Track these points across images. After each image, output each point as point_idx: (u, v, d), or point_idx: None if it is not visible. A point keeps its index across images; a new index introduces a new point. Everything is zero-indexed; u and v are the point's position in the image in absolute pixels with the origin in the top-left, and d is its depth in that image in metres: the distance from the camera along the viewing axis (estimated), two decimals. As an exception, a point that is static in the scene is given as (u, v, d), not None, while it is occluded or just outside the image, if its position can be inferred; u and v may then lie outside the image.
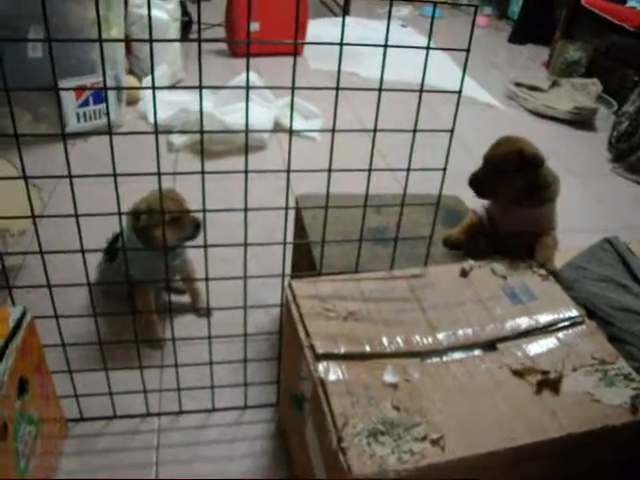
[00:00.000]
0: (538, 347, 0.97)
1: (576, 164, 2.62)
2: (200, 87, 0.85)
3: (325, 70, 3.41)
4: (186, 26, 3.30)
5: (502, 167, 1.13)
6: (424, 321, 0.99)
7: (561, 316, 1.02)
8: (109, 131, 0.86)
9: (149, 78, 2.68)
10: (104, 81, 0.87)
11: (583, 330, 1.00)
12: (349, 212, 1.28)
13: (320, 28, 3.99)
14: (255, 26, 3.33)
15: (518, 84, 3.32)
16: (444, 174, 1.00)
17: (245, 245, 1.00)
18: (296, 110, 2.62)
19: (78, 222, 0.95)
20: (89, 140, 2.39)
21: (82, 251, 0.99)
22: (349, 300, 1.00)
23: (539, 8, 4.46)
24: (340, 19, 4.34)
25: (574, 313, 1.03)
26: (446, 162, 0.99)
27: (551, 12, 4.35)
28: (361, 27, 4.21)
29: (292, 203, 1.05)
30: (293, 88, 0.86)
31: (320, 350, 0.89)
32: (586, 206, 2.29)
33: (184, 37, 3.32)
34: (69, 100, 2.35)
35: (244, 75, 0.87)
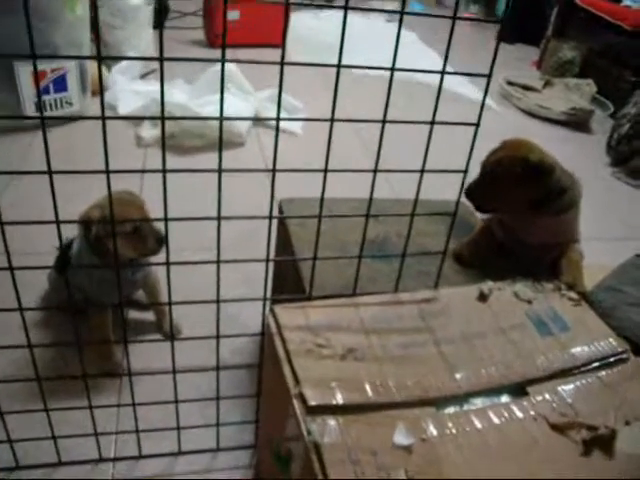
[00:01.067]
0: (577, 391, 0.79)
1: (574, 168, 2.46)
2: (160, 58, 0.65)
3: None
4: (161, 13, 3.07)
5: (502, 176, 0.95)
6: (439, 358, 0.80)
7: (601, 351, 0.84)
8: (42, 127, 0.67)
9: (118, 66, 2.46)
10: (34, 63, 0.65)
11: (629, 369, 0.83)
12: (341, 219, 1.09)
13: (301, 20, 3.82)
14: (234, 15, 3.12)
15: (511, 83, 3.17)
16: (464, 177, 0.82)
17: (218, 262, 0.80)
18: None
19: (4, 232, 0.74)
20: (52, 131, 2.16)
21: (11, 268, 0.78)
22: (347, 332, 0.80)
23: (527, 6, 4.33)
24: (322, 12, 4.16)
25: (617, 347, 0.85)
26: (468, 163, 0.80)
27: (540, 11, 4.21)
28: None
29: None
30: (282, 63, 0.67)
31: (312, 401, 0.69)
32: (588, 213, 2.12)
33: (159, 25, 3.09)
34: (27, 87, 2.13)
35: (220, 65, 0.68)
